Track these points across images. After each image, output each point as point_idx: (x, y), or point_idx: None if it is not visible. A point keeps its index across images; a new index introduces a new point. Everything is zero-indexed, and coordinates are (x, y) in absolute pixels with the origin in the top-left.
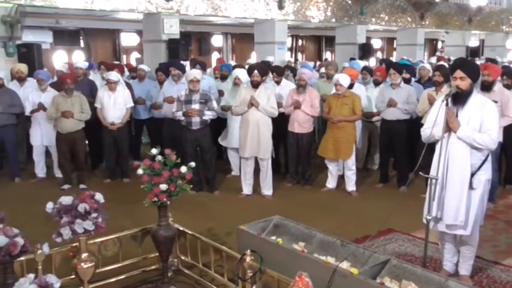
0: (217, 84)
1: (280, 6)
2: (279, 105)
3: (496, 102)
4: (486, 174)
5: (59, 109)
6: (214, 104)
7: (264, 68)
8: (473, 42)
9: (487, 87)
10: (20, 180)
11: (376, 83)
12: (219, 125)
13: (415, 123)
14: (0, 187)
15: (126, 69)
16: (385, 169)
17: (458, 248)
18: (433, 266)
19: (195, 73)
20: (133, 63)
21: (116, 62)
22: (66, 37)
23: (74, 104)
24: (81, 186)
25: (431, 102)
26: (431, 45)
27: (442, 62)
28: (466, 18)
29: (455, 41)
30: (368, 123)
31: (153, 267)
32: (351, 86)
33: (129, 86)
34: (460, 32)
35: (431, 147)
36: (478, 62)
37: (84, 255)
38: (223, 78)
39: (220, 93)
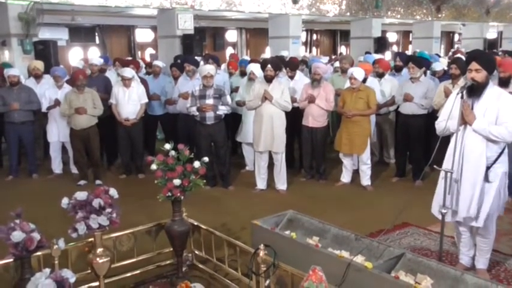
0: (236, 81)
1: (295, 1)
2: (293, 99)
3: None
4: (503, 167)
5: (72, 106)
6: (228, 99)
7: (277, 63)
8: (491, 34)
9: (504, 83)
10: (37, 176)
11: (378, 75)
12: (233, 120)
13: (431, 117)
14: (18, 183)
15: (143, 64)
16: (402, 163)
17: (475, 241)
18: (449, 260)
19: (208, 68)
20: (147, 59)
21: (129, 59)
22: (81, 34)
23: (87, 100)
24: (97, 181)
25: (447, 95)
26: (448, 38)
27: (458, 55)
28: (484, 10)
29: (473, 33)
30: (377, 116)
31: (168, 262)
32: (364, 80)
33: (144, 82)
34: (477, 24)
35: (447, 140)
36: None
37: (100, 250)
38: (244, 74)
39: (237, 89)
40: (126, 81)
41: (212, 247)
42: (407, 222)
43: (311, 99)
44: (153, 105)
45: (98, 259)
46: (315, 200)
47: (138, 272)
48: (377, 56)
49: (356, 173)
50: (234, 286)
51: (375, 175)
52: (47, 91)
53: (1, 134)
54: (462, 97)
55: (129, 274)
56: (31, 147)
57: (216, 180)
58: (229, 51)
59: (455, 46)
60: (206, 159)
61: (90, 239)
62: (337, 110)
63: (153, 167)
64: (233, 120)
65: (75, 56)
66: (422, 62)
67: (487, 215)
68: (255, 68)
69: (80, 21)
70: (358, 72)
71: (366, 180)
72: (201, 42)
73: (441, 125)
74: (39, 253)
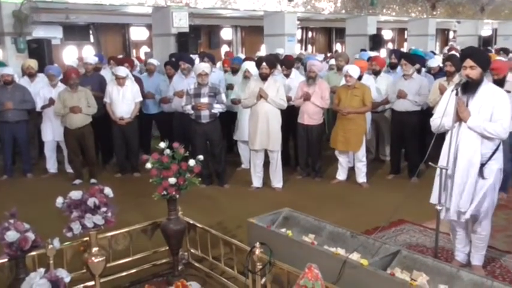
0: (228, 78)
1: None
2: (288, 98)
3: (509, 92)
4: (498, 163)
5: (66, 105)
6: (223, 97)
7: (273, 60)
8: (486, 32)
9: (500, 84)
10: (32, 175)
11: (374, 73)
12: (229, 118)
13: (425, 113)
14: (12, 183)
15: (138, 63)
16: (397, 160)
17: (470, 237)
18: (445, 257)
19: (203, 67)
20: (142, 57)
21: (120, 57)
22: (76, 32)
23: (80, 98)
24: (92, 180)
25: (442, 92)
26: (443, 35)
27: (453, 52)
28: (479, 7)
29: (468, 30)
30: (373, 113)
31: (164, 260)
32: (359, 78)
33: (139, 80)
34: (472, 22)
35: (442, 137)
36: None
37: (95, 249)
38: (235, 71)
39: (230, 86)
40: (120, 80)
41: (208, 245)
42: (402, 219)
43: (306, 97)
44: (147, 103)
45: (93, 258)
46: (311, 198)
47: (133, 271)
48: (372, 54)
49: (351, 171)
50: (230, 284)
51: (370, 172)
52: (41, 90)
53: None
54: (457, 94)
55: (124, 273)
56: (25, 146)
57: (212, 178)
58: (224, 49)
59: (450, 43)
60: (201, 157)
61: (85, 238)
62: (333, 107)
63: (148, 165)
64: (229, 119)
65: (70, 55)
66: (414, 58)
67: (478, 209)
68: (250, 66)
69: (74, 19)
70: (353, 70)
71: (361, 177)
72: (196, 40)
73: (436, 122)
74: (33, 253)
